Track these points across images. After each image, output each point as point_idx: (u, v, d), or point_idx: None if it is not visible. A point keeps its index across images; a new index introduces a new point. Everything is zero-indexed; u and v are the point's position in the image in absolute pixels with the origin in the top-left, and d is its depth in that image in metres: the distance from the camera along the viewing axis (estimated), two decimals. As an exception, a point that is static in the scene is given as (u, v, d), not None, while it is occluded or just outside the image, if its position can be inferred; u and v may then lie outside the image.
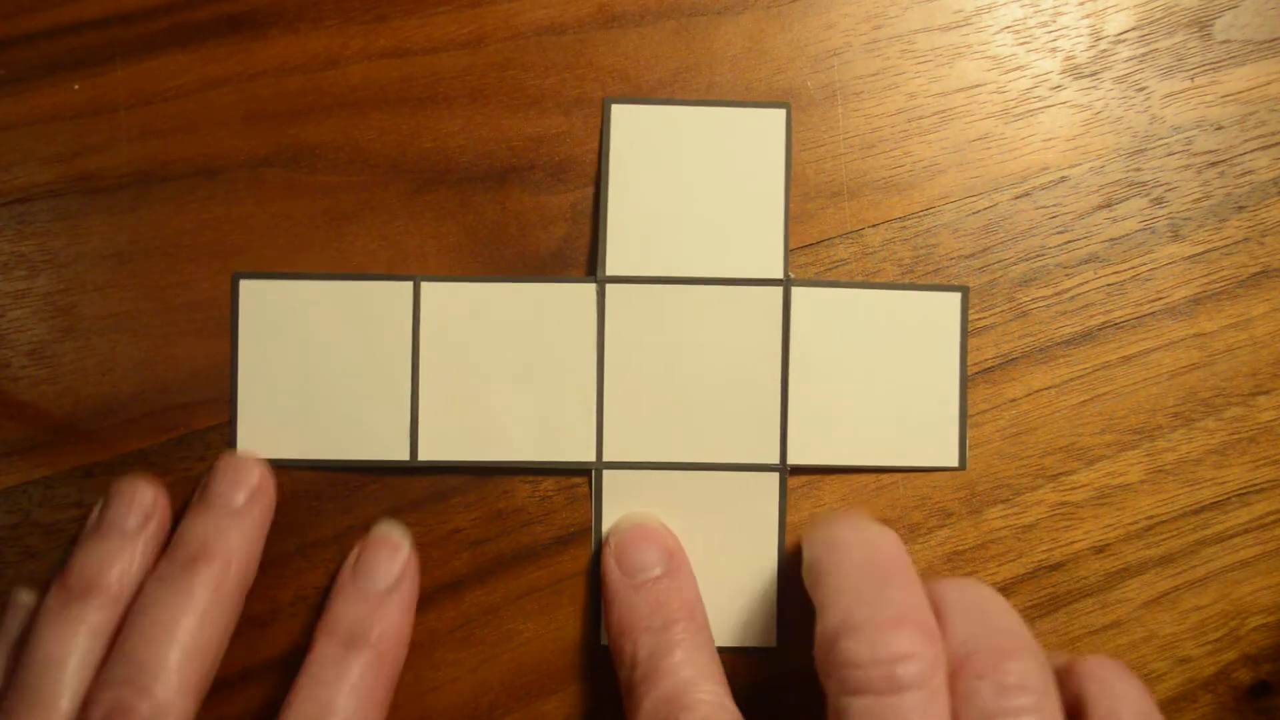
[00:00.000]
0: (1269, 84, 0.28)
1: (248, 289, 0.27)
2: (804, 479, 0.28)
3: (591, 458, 0.27)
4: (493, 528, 0.28)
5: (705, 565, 0.27)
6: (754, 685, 0.28)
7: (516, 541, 0.28)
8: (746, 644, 0.27)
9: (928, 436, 0.27)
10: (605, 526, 0.27)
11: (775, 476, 0.27)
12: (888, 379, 0.27)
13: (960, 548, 0.28)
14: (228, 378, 0.27)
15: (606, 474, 0.27)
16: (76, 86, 0.27)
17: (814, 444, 0.27)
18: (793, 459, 0.27)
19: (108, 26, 0.27)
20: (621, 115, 0.27)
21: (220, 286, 0.27)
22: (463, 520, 0.28)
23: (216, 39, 0.27)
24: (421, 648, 0.28)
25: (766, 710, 0.28)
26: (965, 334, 0.27)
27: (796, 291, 0.27)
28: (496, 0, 0.28)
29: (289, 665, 0.27)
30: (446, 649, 0.28)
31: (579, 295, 0.27)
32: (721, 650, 0.27)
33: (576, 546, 0.28)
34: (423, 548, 0.28)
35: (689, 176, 0.27)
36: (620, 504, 0.27)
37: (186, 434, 0.27)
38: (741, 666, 0.28)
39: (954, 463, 0.27)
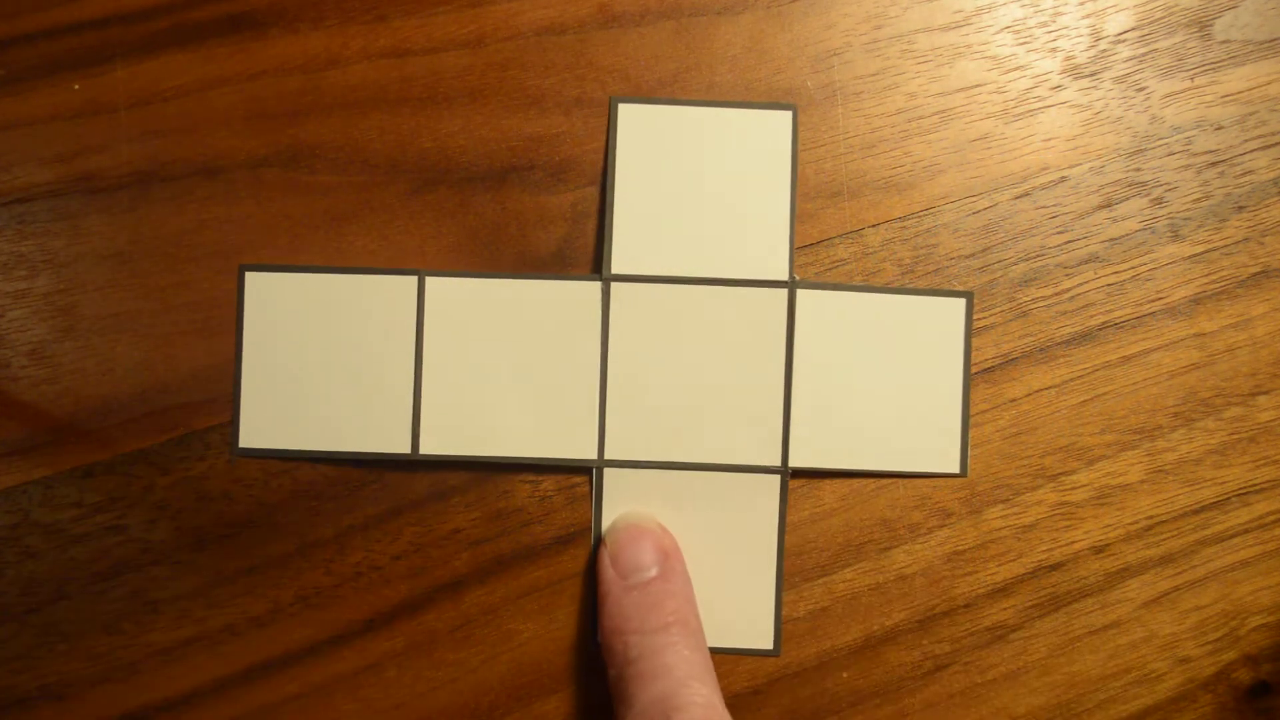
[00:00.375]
0: (1269, 84, 0.28)
1: (253, 281, 0.27)
2: (803, 480, 0.28)
3: (593, 456, 0.27)
4: (493, 528, 0.28)
5: (704, 566, 0.27)
6: (753, 688, 0.28)
7: (516, 541, 0.28)
8: (745, 646, 0.27)
9: (929, 442, 0.27)
10: (605, 525, 0.27)
11: (776, 478, 0.27)
12: (891, 383, 0.27)
13: (960, 548, 0.28)
14: (228, 377, 0.27)
15: (608, 472, 0.27)
16: (76, 86, 0.27)
17: (816, 446, 0.27)
18: (794, 461, 0.27)
19: (108, 26, 0.27)
20: (628, 114, 0.27)
21: (220, 286, 0.27)
22: (463, 520, 0.28)
23: (216, 39, 0.27)
24: (421, 648, 0.28)
25: (765, 713, 0.28)
26: (969, 340, 0.27)
27: (801, 294, 0.27)
28: (496, 0, 0.28)
29: (289, 665, 0.27)
30: (446, 649, 0.28)
31: (584, 293, 0.27)
32: (720, 652, 0.27)
33: (576, 546, 0.28)
34: (423, 548, 0.28)
35: (695, 176, 0.27)
36: (621, 502, 0.27)
37: (186, 434, 0.27)
38: (740, 669, 0.28)
39: (955, 469, 0.27)
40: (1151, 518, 0.28)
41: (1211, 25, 0.28)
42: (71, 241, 0.27)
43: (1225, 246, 0.28)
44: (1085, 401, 0.28)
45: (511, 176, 0.28)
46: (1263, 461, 0.28)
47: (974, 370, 0.28)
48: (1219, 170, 0.28)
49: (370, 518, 0.27)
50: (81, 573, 0.27)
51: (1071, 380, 0.28)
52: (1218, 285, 0.28)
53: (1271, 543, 0.28)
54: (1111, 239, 0.28)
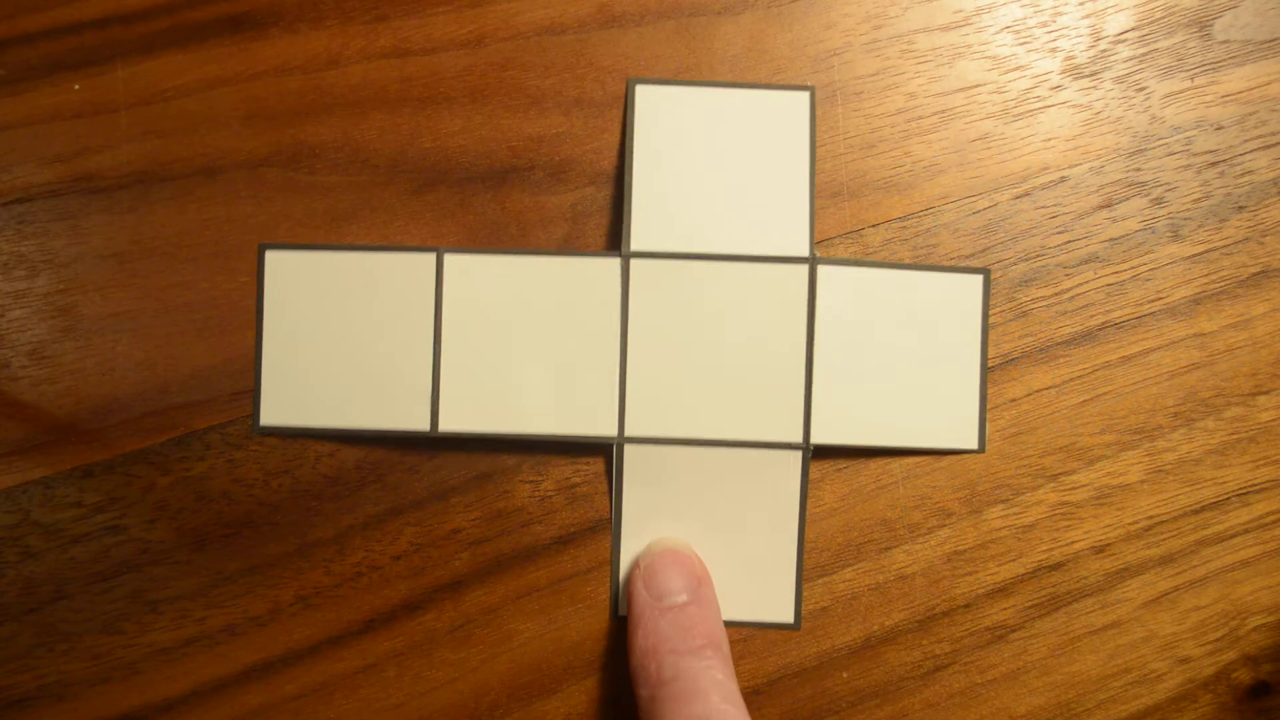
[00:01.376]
0: (1269, 84, 0.28)
1: (273, 260, 0.27)
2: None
3: (613, 432, 0.27)
4: (493, 528, 0.28)
5: (725, 541, 0.27)
6: (753, 688, 0.28)
7: (516, 541, 0.28)
8: (766, 620, 0.27)
9: (948, 418, 0.27)
10: (625, 506, 0.27)
11: (797, 455, 0.27)
12: (909, 359, 0.27)
13: (960, 548, 0.28)
14: (228, 377, 0.27)
15: (628, 450, 0.27)
16: (76, 86, 0.27)
17: (836, 423, 0.27)
18: (816, 438, 0.27)
19: (108, 26, 0.27)
20: (645, 96, 0.27)
21: (220, 286, 0.27)
22: (463, 520, 0.28)
23: (216, 39, 0.27)
24: (421, 648, 0.28)
25: (765, 713, 0.28)
26: (986, 316, 0.27)
27: (822, 270, 0.27)
28: (496, 0, 0.28)
29: (289, 665, 0.27)
30: (446, 649, 0.28)
31: (603, 270, 0.27)
32: (741, 625, 0.27)
33: (576, 546, 0.28)
34: (423, 548, 0.28)
35: (713, 155, 0.27)
36: (641, 481, 0.27)
37: (186, 434, 0.27)
38: (739, 668, 0.28)
39: (973, 445, 0.27)
40: (1151, 518, 0.28)
41: (1211, 25, 0.28)
42: (71, 241, 0.27)
43: (1225, 246, 0.28)
44: (1085, 401, 0.28)
45: (511, 176, 0.28)
46: (1263, 461, 0.28)
47: (974, 370, 0.28)
48: (1219, 170, 0.28)
49: (370, 518, 0.27)
50: (81, 573, 0.27)
51: (1071, 380, 0.28)
52: (1218, 285, 0.28)
53: (1271, 543, 0.28)
54: (1111, 239, 0.28)
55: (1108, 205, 0.28)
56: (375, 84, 0.28)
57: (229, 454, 0.27)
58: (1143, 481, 0.28)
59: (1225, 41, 0.28)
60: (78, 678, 0.27)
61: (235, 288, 0.27)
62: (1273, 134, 0.28)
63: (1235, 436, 0.28)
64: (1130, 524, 0.28)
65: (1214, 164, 0.28)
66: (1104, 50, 0.28)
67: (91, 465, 0.27)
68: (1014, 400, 0.28)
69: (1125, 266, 0.28)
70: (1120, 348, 0.28)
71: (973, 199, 0.28)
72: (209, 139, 0.27)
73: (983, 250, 0.28)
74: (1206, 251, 0.28)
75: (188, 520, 0.27)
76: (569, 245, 0.28)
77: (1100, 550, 0.28)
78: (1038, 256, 0.28)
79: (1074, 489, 0.28)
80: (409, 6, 0.28)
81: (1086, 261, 0.28)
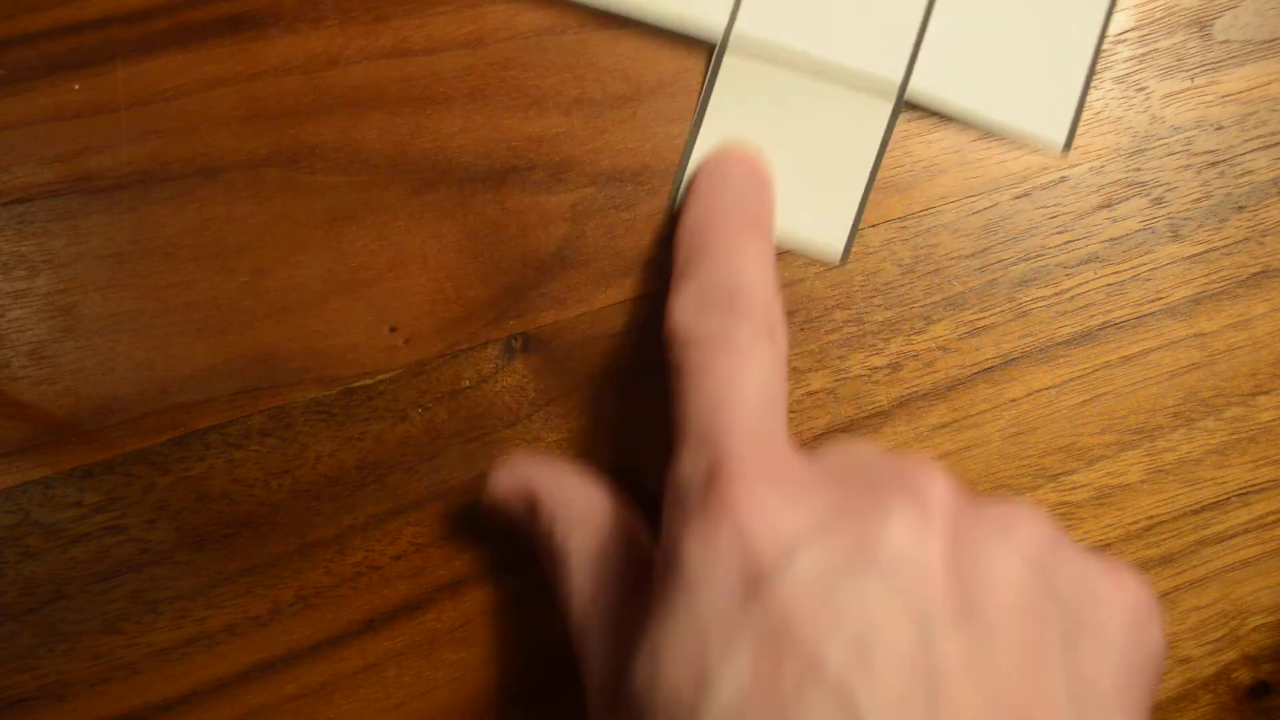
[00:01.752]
0: (1269, 84, 0.28)
1: None
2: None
3: (722, 24, 0.27)
4: (493, 527, 0.28)
5: (796, 172, 0.27)
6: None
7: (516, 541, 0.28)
8: (815, 242, 0.27)
9: (1043, 109, 0.27)
10: (709, 116, 0.27)
11: (887, 105, 0.27)
12: (1024, 40, 0.27)
13: (960, 548, 0.28)
14: (227, 377, 0.27)
15: (726, 61, 0.27)
16: (76, 86, 0.27)
17: (937, 74, 0.27)
18: (915, 81, 0.27)
19: (108, 26, 0.27)
20: None
21: (220, 286, 0.27)
22: (463, 520, 0.28)
23: (216, 39, 0.27)
24: (421, 648, 0.28)
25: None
26: (1109, 18, 0.27)
27: None
28: (496, 0, 0.28)
29: (289, 665, 0.27)
30: (446, 649, 0.28)
31: None
32: (787, 249, 0.28)
33: (576, 546, 0.28)
34: (423, 548, 0.28)
35: None
36: (731, 94, 0.27)
37: (186, 434, 0.27)
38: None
39: (1059, 143, 0.27)
40: (1151, 518, 0.28)
41: (1211, 25, 0.28)
42: (71, 241, 0.27)
43: (1225, 246, 0.28)
44: (1085, 401, 0.28)
45: (511, 176, 0.28)
46: (1263, 461, 0.28)
47: (974, 371, 0.28)
48: (1219, 170, 0.28)
49: (370, 518, 0.28)
50: (81, 573, 0.27)
51: (1071, 380, 0.28)
52: (1218, 285, 0.28)
53: (1271, 543, 0.28)
54: (1111, 239, 0.28)
55: (1108, 205, 0.28)
56: (375, 84, 0.28)
57: (229, 454, 0.27)
58: (1143, 481, 0.28)
59: (1225, 41, 0.28)
60: (78, 678, 0.27)
61: (235, 288, 0.27)
62: (1273, 134, 0.28)
63: (1235, 436, 0.28)
64: (1130, 524, 0.28)
65: (1214, 164, 0.28)
66: (1104, 50, 0.28)
67: (91, 465, 0.27)
68: (1014, 400, 0.28)
69: (1125, 266, 0.28)
70: (1120, 348, 0.28)
71: (973, 199, 0.28)
72: (209, 139, 0.27)
73: (983, 250, 0.28)
74: (1206, 251, 0.28)
75: (188, 520, 0.27)
76: (568, 245, 0.28)
77: (1100, 550, 0.28)
78: (1038, 256, 0.28)
79: (1074, 489, 0.28)
80: (409, 6, 0.28)
81: (1086, 261, 0.28)
